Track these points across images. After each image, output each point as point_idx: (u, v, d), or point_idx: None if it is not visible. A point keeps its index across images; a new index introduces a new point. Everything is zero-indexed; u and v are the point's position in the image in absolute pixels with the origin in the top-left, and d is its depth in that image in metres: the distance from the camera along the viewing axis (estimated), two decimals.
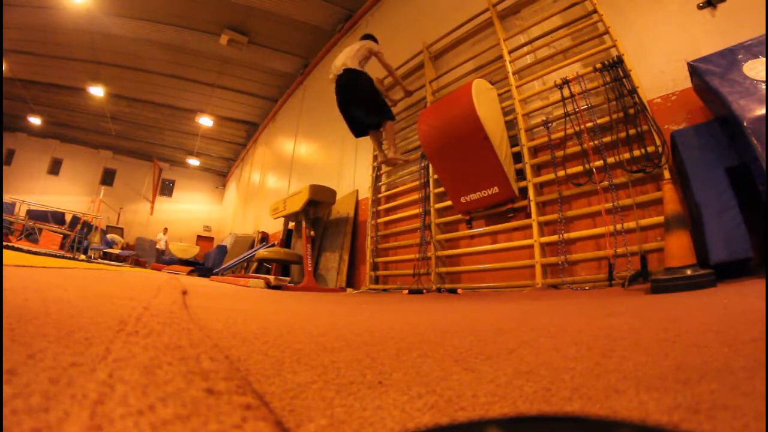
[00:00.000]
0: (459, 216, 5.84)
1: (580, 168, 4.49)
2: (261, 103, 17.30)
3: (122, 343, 0.88)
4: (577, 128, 4.56)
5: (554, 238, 4.60)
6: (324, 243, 8.84)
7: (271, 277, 7.16)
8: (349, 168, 9.34)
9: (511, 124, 5.35)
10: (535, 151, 5.16)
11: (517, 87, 5.39)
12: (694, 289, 2.61)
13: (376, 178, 7.79)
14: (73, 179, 24.43)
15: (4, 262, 3.51)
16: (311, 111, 12.77)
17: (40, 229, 15.99)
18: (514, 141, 5.26)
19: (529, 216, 4.88)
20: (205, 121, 19.52)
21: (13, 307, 1.21)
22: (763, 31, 3.06)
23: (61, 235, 16.14)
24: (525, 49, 5.60)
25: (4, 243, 10.79)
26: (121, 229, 23.44)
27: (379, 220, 7.51)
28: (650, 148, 3.98)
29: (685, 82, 3.89)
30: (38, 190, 22.28)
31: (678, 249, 2.85)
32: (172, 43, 13.69)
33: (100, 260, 15.25)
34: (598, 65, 4.46)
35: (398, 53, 8.05)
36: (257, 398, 0.61)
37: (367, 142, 8.40)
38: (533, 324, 1.81)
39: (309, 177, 10.98)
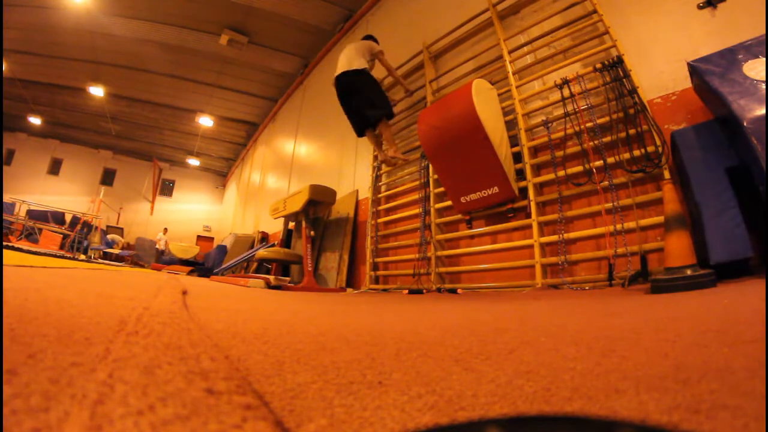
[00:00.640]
0: (459, 216, 5.84)
1: (580, 168, 4.49)
2: (261, 103, 17.30)
3: (122, 343, 0.88)
4: (577, 128, 4.56)
5: (554, 238, 4.60)
6: (324, 243, 8.84)
7: (271, 277, 7.15)
8: (349, 168, 9.35)
9: (511, 124, 5.36)
10: (535, 151, 5.16)
11: (517, 87, 5.39)
12: (694, 289, 2.61)
13: (376, 178, 7.80)
14: (73, 179, 24.44)
15: (4, 262, 3.52)
16: (311, 111, 12.78)
17: (40, 229, 16.01)
18: (514, 141, 5.27)
19: (529, 216, 4.88)
20: (205, 121, 19.54)
21: (13, 307, 1.21)
22: (763, 31, 3.06)
23: (61, 235, 16.16)
24: (525, 49, 5.60)
25: (4, 243, 10.79)
26: (121, 229, 23.47)
27: (379, 220, 7.51)
28: (650, 148, 3.98)
29: (685, 82, 3.90)
30: (38, 190, 22.30)
31: (678, 249, 2.85)
32: (172, 43, 13.70)
33: (100, 260, 15.26)
34: (598, 65, 4.46)
35: (398, 53, 8.05)
36: (257, 398, 0.61)
37: (367, 142, 8.42)
38: (533, 324, 1.81)
39: (309, 177, 10.99)
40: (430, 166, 6.18)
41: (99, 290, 2.23)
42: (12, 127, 22.39)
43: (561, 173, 4.64)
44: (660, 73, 4.25)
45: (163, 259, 18.40)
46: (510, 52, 5.69)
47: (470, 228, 5.76)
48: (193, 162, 26.12)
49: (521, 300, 3.42)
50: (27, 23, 13.33)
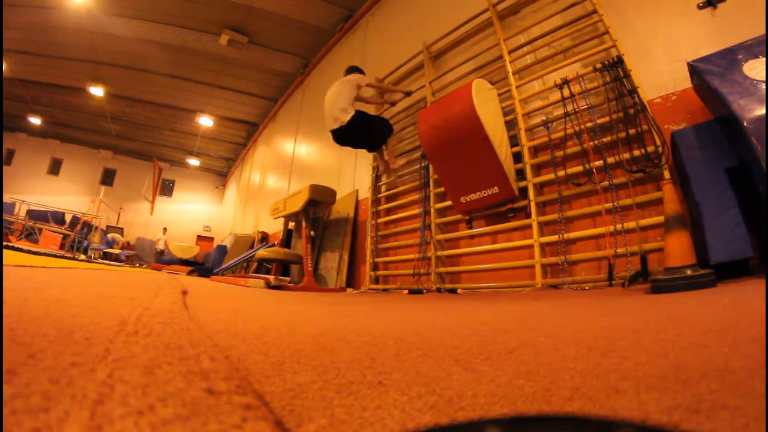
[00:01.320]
0: (459, 216, 5.85)
1: (580, 168, 4.49)
2: (261, 103, 17.31)
3: (122, 343, 0.88)
4: (577, 128, 4.56)
5: (554, 238, 4.60)
6: (324, 243, 8.84)
7: (271, 277, 7.15)
8: (349, 168, 9.35)
9: (511, 124, 5.36)
10: (535, 151, 5.16)
11: (517, 87, 5.39)
12: (694, 289, 2.61)
13: (376, 178, 7.80)
14: (73, 179, 24.45)
15: (4, 262, 3.52)
16: (311, 111, 12.78)
17: (40, 229, 16.03)
18: (514, 141, 5.27)
19: (529, 216, 4.89)
20: (205, 121, 19.55)
21: (13, 307, 1.21)
22: (763, 31, 3.06)
23: (61, 235, 16.17)
24: (525, 49, 5.60)
25: (4, 243, 10.79)
26: (121, 229, 23.49)
27: (379, 220, 7.51)
28: (650, 148, 3.98)
29: (685, 82, 3.90)
30: (38, 190, 22.31)
31: (678, 249, 2.85)
32: (172, 43, 13.70)
33: (100, 260, 15.26)
34: (598, 65, 4.46)
35: (398, 53, 8.06)
36: (257, 398, 0.61)
37: None
38: (533, 324, 1.81)
39: (309, 177, 10.99)
40: (430, 166, 6.18)
41: (99, 290, 2.23)
42: (12, 127, 22.40)
43: (561, 173, 4.64)
44: (660, 73, 4.26)
45: (163, 259, 18.41)
46: (510, 52, 5.69)
47: (470, 228, 5.76)
48: (193, 162, 26.14)
49: (521, 300, 3.42)
50: (27, 23, 13.33)
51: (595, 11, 4.77)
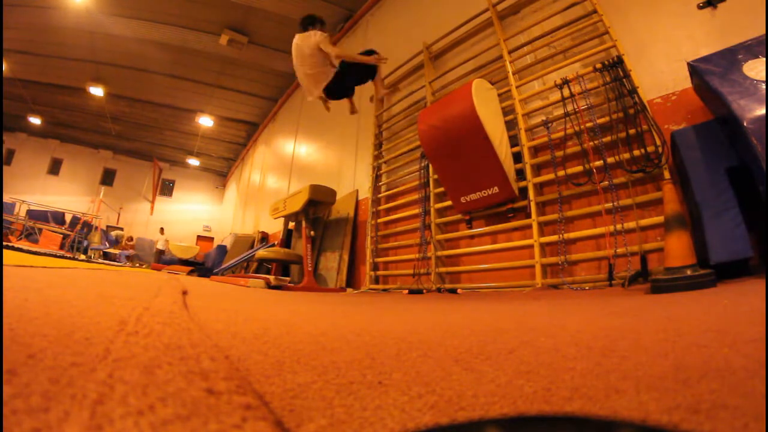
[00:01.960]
0: (459, 216, 5.85)
1: (580, 168, 4.49)
2: (261, 103, 17.32)
3: (122, 343, 0.88)
4: (577, 128, 4.57)
5: (554, 238, 4.61)
6: (324, 243, 8.85)
7: (271, 277, 7.15)
8: (348, 168, 9.35)
9: (511, 124, 5.36)
10: (535, 151, 5.17)
11: (517, 87, 5.39)
12: (694, 289, 2.61)
13: (376, 178, 7.80)
14: (73, 179, 24.47)
15: (4, 262, 3.52)
16: (311, 111, 12.78)
17: (40, 229, 16.04)
18: (514, 141, 5.27)
19: (529, 216, 4.89)
20: (205, 121, 19.56)
21: (13, 307, 1.21)
22: (764, 31, 3.06)
23: (61, 235, 16.18)
24: (525, 49, 5.60)
25: (4, 243, 10.80)
26: (121, 229, 23.49)
27: (379, 220, 7.52)
28: (650, 148, 3.98)
29: (685, 82, 3.90)
30: (38, 190, 22.32)
31: (678, 249, 2.85)
32: (171, 43, 13.71)
33: (101, 260, 15.27)
34: (598, 65, 4.46)
35: (398, 53, 8.06)
36: (257, 398, 0.61)
37: (367, 144, 8.42)
38: (533, 324, 1.81)
39: (309, 177, 11.00)
40: (430, 166, 6.18)
41: (99, 290, 2.23)
42: (12, 127, 22.41)
43: (561, 173, 4.64)
44: (660, 73, 4.26)
45: (163, 259, 18.42)
46: (510, 52, 5.69)
47: (470, 228, 5.77)
48: (193, 162, 26.16)
49: (521, 300, 3.43)
50: (27, 23, 13.34)
51: (595, 11, 4.77)
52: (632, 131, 4.13)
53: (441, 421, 0.58)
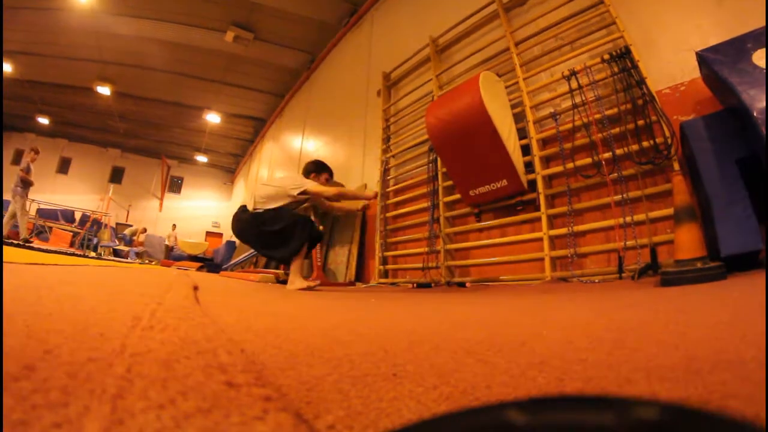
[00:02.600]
0: (467, 209, 5.84)
1: (588, 160, 4.47)
2: (268, 99, 17.31)
3: (138, 339, 0.89)
4: (585, 120, 4.54)
5: (563, 230, 4.59)
6: (333, 237, 8.85)
7: (281, 272, 7.17)
8: (357, 162, 9.34)
9: (518, 116, 5.33)
10: (543, 144, 5.14)
11: (524, 79, 5.36)
12: (704, 282, 2.59)
13: (385, 172, 7.79)
14: (82, 178, 24.62)
15: (17, 260, 3.55)
16: (318, 106, 12.77)
17: (51, 228, 16.13)
18: (522, 133, 5.24)
19: (538, 209, 4.86)
20: (213, 118, 19.60)
21: (27, 304, 1.22)
22: None
23: (71, 233, 16.28)
24: (532, 40, 5.56)
25: (15, 242, 10.88)
26: (131, 226, 23.60)
27: (388, 214, 7.51)
28: (659, 140, 3.96)
29: (694, 72, 3.86)
30: (48, 189, 22.42)
31: (688, 241, 2.83)
32: (177, 41, 13.73)
33: (111, 257, 15.35)
34: (606, 56, 4.43)
35: (404, 47, 8.04)
36: (276, 390, 0.62)
37: (374, 137, 8.41)
38: (544, 316, 1.81)
39: None
40: (438, 159, 6.17)
41: (111, 286, 2.25)
42: (20, 127, 22.55)
43: (570, 165, 4.62)
44: (668, 63, 4.22)
45: (172, 255, 18.49)
46: (517, 44, 5.66)
47: (479, 221, 5.75)
48: (201, 159, 26.22)
49: (531, 293, 3.42)
50: (33, 24, 13.41)
51: (601, 2, 4.73)
52: (641, 122, 4.10)
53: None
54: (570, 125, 4.67)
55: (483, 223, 5.69)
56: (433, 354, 0.99)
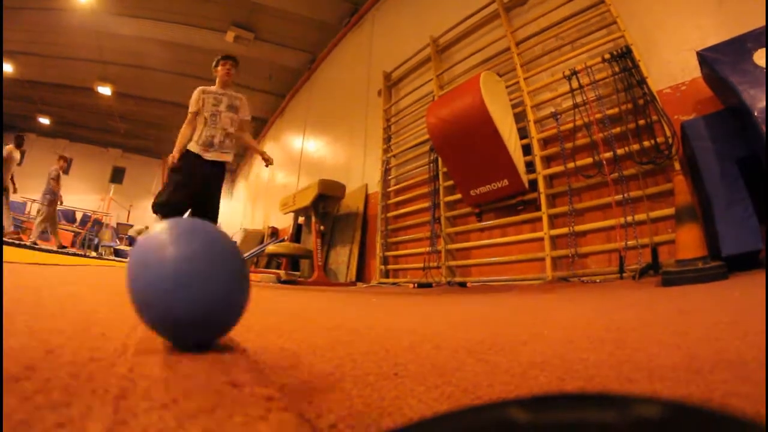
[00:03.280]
0: (468, 209, 5.83)
1: (589, 160, 4.46)
2: (268, 99, 17.28)
3: (139, 339, 0.90)
4: (586, 119, 4.54)
5: (564, 230, 4.58)
6: (334, 237, 8.85)
7: (282, 272, 7.19)
8: (358, 162, 9.33)
9: (519, 116, 5.32)
10: (544, 143, 5.13)
11: (525, 79, 5.35)
12: (705, 282, 2.59)
13: (385, 172, 7.78)
14: (83, 178, 24.58)
15: (19, 260, 3.55)
16: (319, 106, 12.77)
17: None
18: (523, 133, 5.23)
19: (539, 208, 4.86)
20: None
21: (28, 304, 1.23)
22: None
23: (72, 233, 16.28)
24: (532, 40, 5.55)
25: (17, 242, 10.90)
26: (132, 226, 23.59)
27: (389, 214, 7.50)
28: (660, 139, 3.95)
29: (695, 72, 3.85)
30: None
31: (689, 241, 2.83)
32: (178, 41, 13.72)
33: (112, 257, 15.35)
34: (607, 56, 4.43)
35: (405, 47, 8.04)
36: (278, 390, 0.62)
37: (375, 137, 8.41)
38: (545, 316, 1.81)
39: (318, 172, 10.98)
40: (439, 159, 6.16)
41: (111, 287, 2.26)
42: (21, 127, 22.50)
43: (571, 165, 4.61)
44: (669, 63, 4.22)
45: None
46: (517, 44, 5.65)
47: (480, 221, 5.74)
48: None
49: (532, 293, 3.43)
50: (34, 25, 13.40)
51: (602, 1, 4.73)
52: (642, 122, 4.09)
53: None
54: (571, 125, 4.66)
55: (484, 223, 5.68)
56: (435, 353, 0.99)
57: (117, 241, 18.54)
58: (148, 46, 14.03)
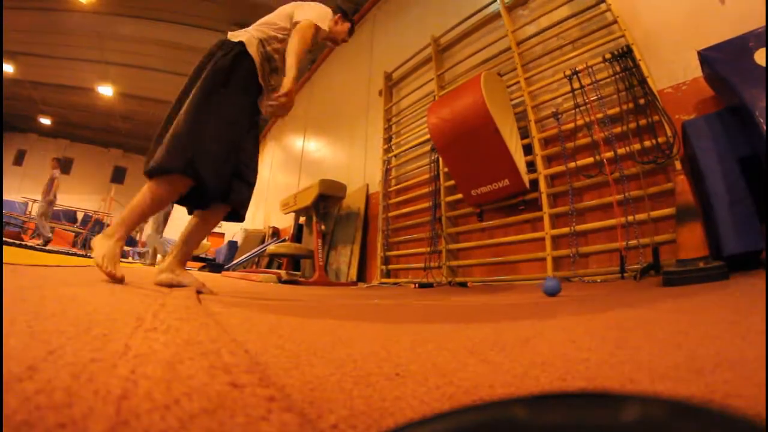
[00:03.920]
0: (469, 209, 5.83)
1: (590, 159, 4.47)
2: None
3: (141, 339, 0.90)
4: (587, 119, 4.54)
5: (565, 230, 4.58)
6: (335, 237, 8.86)
7: (283, 272, 7.19)
8: (358, 162, 9.34)
9: (520, 116, 5.33)
10: (545, 143, 5.14)
11: (526, 78, 5.36)
12: (706, 282, 2.59)
13: (386, 172, 7.78)
14: (84, 178, 24.67)
15: (20, 261, 3.56)
16: (319, 106, 12.78)
17: (53, 228, 16.14)
18: (524, 132, 5.24)
19: (540, 208, 4.86)
20: None
21: (30, 304, 1.23)
22: None
23: (73, 233, 16.31)
24: (533, 40, 5.56)
25: (18, 242, 10.91)
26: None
27: (390, 214, 7.51)
28: (661, 139, 3.96)
29: (696, 71, 3.85)
30: None
31: (690, 241, 2.83)
32: (178, 41, 13.74)
33: None
34: (608, 55, 4.43)
35: (406, 47, 8.05)
36: (280, 390, 0.63)
37: (376, 137, 8.41)
38: (546, 316, 1.81)
39: (319, 172, 10.99)
40: (440, 159, 6.17)
41: (113, 287, 2.26)
42: (23, 127, 22.60)
43: (572, 165, 4.62)
44: (670, 62, 4.22)
45: None
46: (518, 44, 5.66)
47: (481, 221, 5.75)
48: None
49: (533, 293, 3.43)
50: (35, 25, 13.44)
51: (603, 1, 4.73)
52: (643, 122, 4.10)
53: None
54: (572, 125, 4.67)
55: (485, 223, 5.68)
56: (436, 353, 0.99)
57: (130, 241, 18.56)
58: (149, 46, 14.05)
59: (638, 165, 4.10)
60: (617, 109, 4.32)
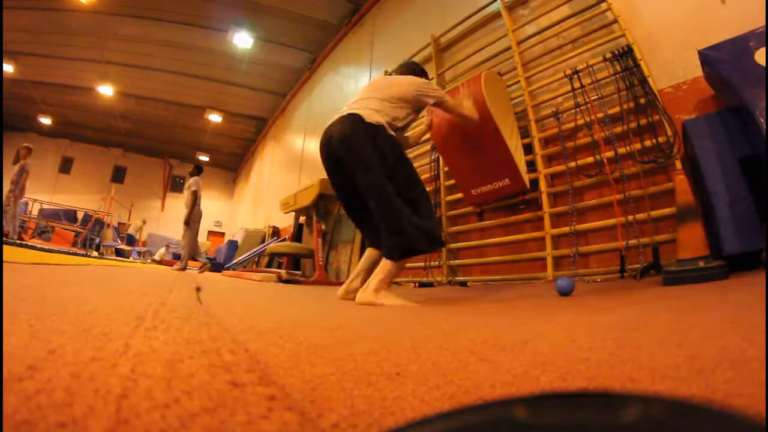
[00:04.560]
0: (470, 208, 5.83)
1: (591, 159, 4.46)
2: (270, 98, 17.32)
3: (141, 339, 0.90)
4: (587, 119, 4.53)
5: (566, 229, 4.58)
6: (335, 237, 8.85)
7: (283, 272, 7.19)
8: None
9: (520, 115, 5.32)
10: (545, 143, 5.13)
11: (526, 78, 5.35)
12: (706, 281, 2.59)
13: None
14: (84, 177, 24.68)
15: (20, 260, 3.56)
16: (320, 105, 12.78)
17: (53, 227, 16.16)
18: (524, 132, 5.23)
19: (540, 208, 4.86)
20: (215, 118, 19.60)
21: (30, 304, 1.23)
22: None
23: (74, 233, 16.31)
24: (534, 39, 5.55)
25: (18, 242, 10.91)
26: (130, 224, 23.64)
27: None
28: (662, 139, 3.95)
29: (696, 71, 3.84)
30: (50, 189, 22.50)
31: (690, 240, 2.83)
32: (179, 42, 13.75)
33: (113, 257, 15.37)
34: (608, 55, 4.42)
35: (406, 46, 8.03)
36: (280, 389, 0.63)
37: None
38: (546, 316, 1.81)
39: (319, 171, 10.95)
40: (440, 158, 6.16)
41: (114, 286, 2.26)
42: (23, 127, 22.60)
43: (572, 164, 4.61)
44: (671, 62, 4.21)
45: (175, 254, 18.49)
46: (518, 43, 5.65)
47: (481, 220, 5.74)
48: (203, 158, 26.20)
49: (533, 292, 3.42)
50: (35, 25, 13.45)
51: (603, 0, 4.73)
52: (643, 121, 4.09)
53: None
54: (572, 124, 4.66)
55: (485, 222, 5.68)
56: (436, 353, 0.99)
57: (118, 240, 18.56)
58: (149, 46, 14.06)
59: (638, 164, 4.09)
60: (617, 109, 4.31)
